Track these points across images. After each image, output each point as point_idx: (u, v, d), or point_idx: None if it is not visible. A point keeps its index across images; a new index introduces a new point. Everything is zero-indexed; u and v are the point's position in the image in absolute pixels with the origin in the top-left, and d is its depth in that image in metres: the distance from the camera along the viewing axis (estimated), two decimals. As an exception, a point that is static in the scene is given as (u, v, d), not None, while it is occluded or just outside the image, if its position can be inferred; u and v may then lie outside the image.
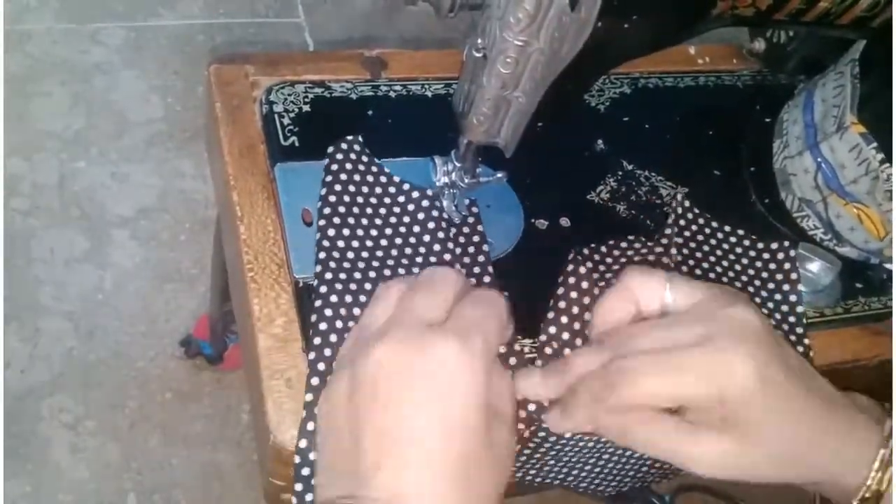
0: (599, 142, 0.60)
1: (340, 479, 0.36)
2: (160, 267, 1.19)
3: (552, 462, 0.48)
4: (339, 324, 0.44)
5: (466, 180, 0.50)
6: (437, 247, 0.49)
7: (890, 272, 0.58)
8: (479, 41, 0.41)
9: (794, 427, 0.39)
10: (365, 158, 0.52)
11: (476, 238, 0.51)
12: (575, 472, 0.51)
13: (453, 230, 0.51)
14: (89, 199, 1.23)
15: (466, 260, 0.50)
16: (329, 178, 0.50)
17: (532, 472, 0.50)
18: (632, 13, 0.38)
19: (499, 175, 0.51)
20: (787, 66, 0.68)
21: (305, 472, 0.42)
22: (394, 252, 0.49)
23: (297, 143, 0.53)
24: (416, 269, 0.49)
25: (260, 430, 0.47)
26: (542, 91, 0.42)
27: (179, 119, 1.34)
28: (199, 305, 1.16)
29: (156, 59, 1.40)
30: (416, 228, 0.50)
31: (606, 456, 0.50)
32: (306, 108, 0.55)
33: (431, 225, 0.50)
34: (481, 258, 0.50)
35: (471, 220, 0.51)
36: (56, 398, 1.06)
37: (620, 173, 0.59)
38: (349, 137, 0.52)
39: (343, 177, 0.50)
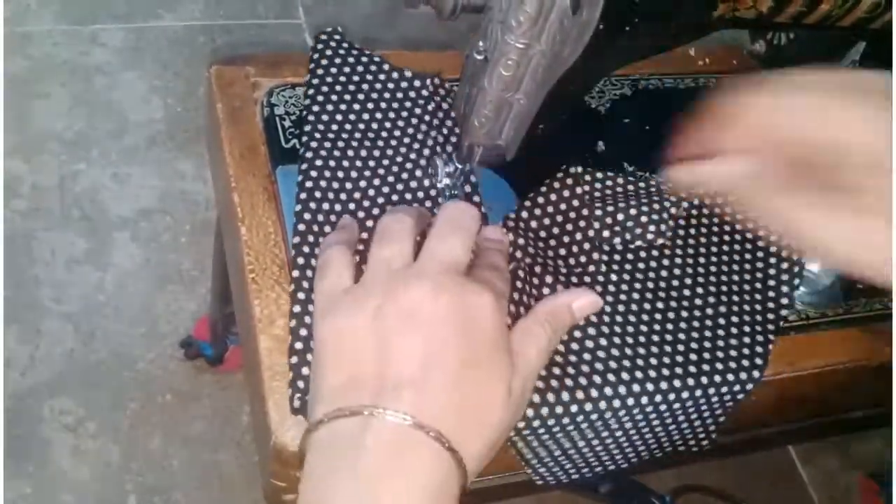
0: (600, 143, 0.60)
1: (356, 391, 0.37)
2: (161, 268, 1.19)
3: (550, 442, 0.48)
4: (325, 206, 0.48)
5: (468, 189, 0.51)
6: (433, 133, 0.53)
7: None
8: (481, 44, 0.42)
9: None
10: (346, 44, 0.56)
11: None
12: (572, 453, 0.50)
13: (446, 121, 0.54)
14: (90, 200, 1.23)
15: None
16: (312, 66, 0.54)
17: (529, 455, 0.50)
18: (633, 17, 0.38)
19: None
20: (787, 68, 0.68)
21: (301, 384, 0.43)
22: (384, 133, 0.52)
23: (298, 146, 0.53)
24: (412, 154, 0.52)
25: (261, 431, 0.47)
26: (544, 93, 0.42)
27: (180, 120, 1.34)
28: (199, 307, 1.16)
29: (156, 61, 1.40)
30: (408, 105, 0.54)
31: (608, 433, 0.50)
32: (307, 109, 0.55)
33: (425, 104, 0.54)
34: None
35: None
36: (57, 399, 1.06)
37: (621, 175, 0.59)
38: (329, 29, 0.56)
39: (324, 62, 0.54)
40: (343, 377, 0.38)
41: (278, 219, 0.50)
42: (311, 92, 0.53)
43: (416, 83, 0.55)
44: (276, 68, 0.57)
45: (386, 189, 0.50)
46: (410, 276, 0.39)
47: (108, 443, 1.05)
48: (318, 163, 0.49)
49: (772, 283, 0.53)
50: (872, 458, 1.24)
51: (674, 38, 0.45)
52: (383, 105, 0.54)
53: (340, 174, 0.49)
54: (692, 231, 0.54)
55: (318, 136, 0.51)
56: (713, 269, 0.52)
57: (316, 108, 0.52)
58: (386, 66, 0.55)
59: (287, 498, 0.48)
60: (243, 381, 1.09)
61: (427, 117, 0.53)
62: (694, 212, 0.54)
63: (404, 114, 0.53)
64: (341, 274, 0.42)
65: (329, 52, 0.54)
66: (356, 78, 0.54)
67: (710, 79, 0.68)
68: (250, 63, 0.57)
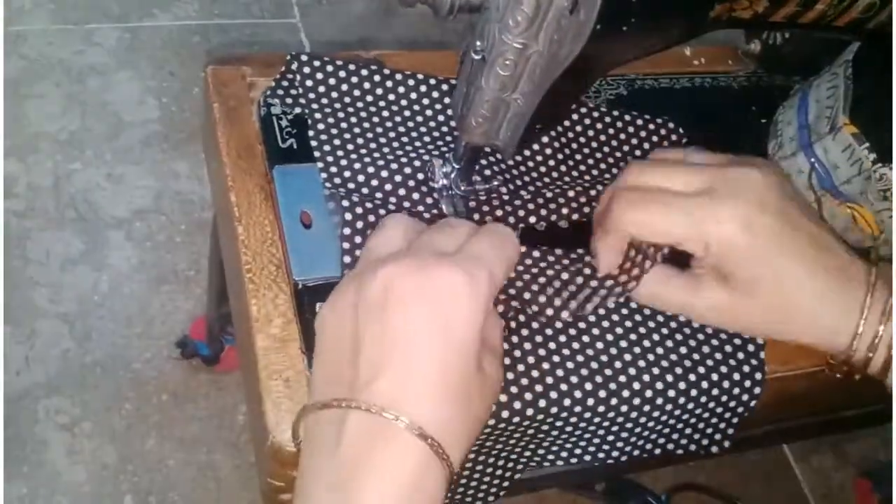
0: (596, 143, 0.60)
1: (337, 384, 0.37)
2: (156, 268, 1.19)
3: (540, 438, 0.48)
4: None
5: (463, 187, 0.51)
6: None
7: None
8: (478, 43, 0.42)
9: (787, 281, 0.43)
10: (317, 61, 0.55)
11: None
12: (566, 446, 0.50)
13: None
14: (85, 200, 1.23)
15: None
16: (301, 89, 0.54)
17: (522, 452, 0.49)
18: (630, 17, 0.38)
19: (495, 183, 0.51)
20: (782, 68, 0.69)
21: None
22: (382, 138, 0.53)
23: (295, 146, 0.53)
24: (411, 154, 0.52)
25: (258, 431, 0.47)
26: (541, 93, 0.42)
27: (175, 120, 1.33)
28: (194, 307, 1.16)
29: (151, 61, 1.40)
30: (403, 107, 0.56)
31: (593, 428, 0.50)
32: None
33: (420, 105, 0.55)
34: None
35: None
36: (52, 400, 1.06)
37: (617, 174, 0.59)
38: (293, 53, 0.55)
39: (308, 82, 0.54)
40: (327, 366, 0.38)
41: (275, 218, 0.50)
42: (306, 112, 0.53)
43: (410, 82, 0.56)
44: (272, 68, 0.57)
45: (388, 187, 0.51)
46: (388, 262, 0.38)
47: (104, 443, 1.04)
48: (334, 169, 0.50)
49: None
50: (867, 456, 1.24)
51: (670, 38, 0.45)
52: (374, 109, 0.55)
53: (359, 178, 0.51)
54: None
55: (327, 147, 0.52)
56: None
57: (321, 126, 0.53)
58: (366, 71, 0.56)
59: (284, 498, 0.48)
60: (239, 381, 1.09)
61: (420, 118, 0.54)
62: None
63: (400, 119, 0.55)
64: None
65: (307, 70, 0.54)
66: (344, 87, 0.54)
67: (706, 79, 0.68)
68: (246, 63, 0.57)
